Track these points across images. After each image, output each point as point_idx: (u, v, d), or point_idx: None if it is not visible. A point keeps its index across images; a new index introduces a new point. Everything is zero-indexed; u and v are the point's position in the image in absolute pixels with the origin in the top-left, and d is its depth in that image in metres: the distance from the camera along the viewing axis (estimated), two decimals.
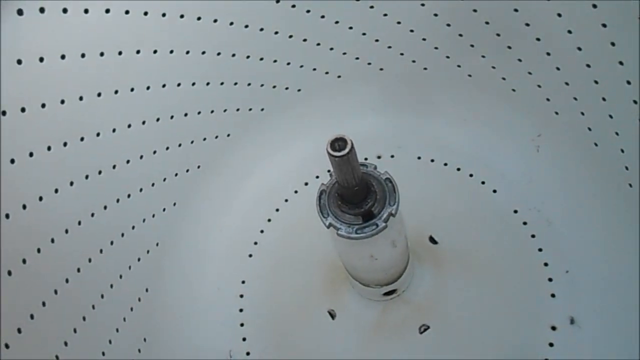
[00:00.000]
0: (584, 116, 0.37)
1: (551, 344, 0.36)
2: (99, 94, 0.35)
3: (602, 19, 0.31)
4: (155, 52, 0.37)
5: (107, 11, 0.34)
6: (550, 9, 0.34)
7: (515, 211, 0.42)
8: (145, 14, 0.35)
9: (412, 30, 0.42)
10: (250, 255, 0.44)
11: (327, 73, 0.45)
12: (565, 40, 0.34)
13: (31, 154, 0.31)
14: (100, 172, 0.36)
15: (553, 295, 0.38)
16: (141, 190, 0.39)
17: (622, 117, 0.34)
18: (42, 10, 0.31)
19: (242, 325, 0.41)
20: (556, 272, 0.39)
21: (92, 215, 0.35)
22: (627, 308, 0.36)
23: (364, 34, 0.43)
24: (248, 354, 0.40)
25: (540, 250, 0.40)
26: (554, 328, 0.37)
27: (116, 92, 0.36)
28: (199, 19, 0.38)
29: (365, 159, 0.45)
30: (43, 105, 0.32)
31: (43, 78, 0.31)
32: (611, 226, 0.38)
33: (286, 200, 0.46)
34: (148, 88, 0.38)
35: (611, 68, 0.32)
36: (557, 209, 0.40)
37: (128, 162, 0.38)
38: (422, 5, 0.40)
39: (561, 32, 0.34)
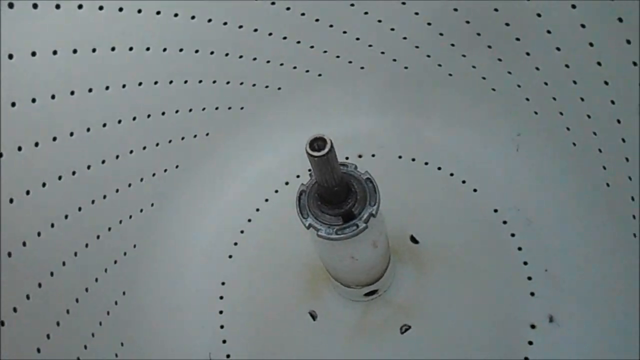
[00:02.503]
0: (562, 116, 0.37)
1: (530, 342, 0.37)
2: (72, 92, 0.34)
3: (582, 20, 0.31)
4: (131, 49, 0.36)
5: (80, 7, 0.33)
6: (530, 9, 0.34)
7: (496, 210, 0.42)
8: (120, 10, 0.35)
9: (392, 29, 0.42)
10: (230, 256, 0.44)
11: (307, 71, 0.45)
12: (544, 41, 0.35)
13: None
14: (74, 173, 0.35)
15: (532, 294, 0.38)
16: (117, 191, 0.38)
17: (599, 117, 0.34)
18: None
19: (222, 327, 0.41)
20: (535, 270, 0.39)
21: (66, 217, 0.34)
22: (605, 306, 0.36)
23: (344, 32, 0.42)
24: (228, 356, 0.40)
25: (519, 249, 0.40)
26: (533, 326, 0.37)
27: (90, 90, 0.35)
28: (175, 15, 0.37)
29: (346, 158, 0.45)
30: (13, 105, 0.31)
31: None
32: (590, 225, 0.38)
33: (266, 200, 0.46)
34: (124, 86, 0.37)
35: (589, 68, 0.32)
36: (536, 208, 0.41)
37: (103, 162, 0.37)
38: (403, 4, 0.40)
39: (541, 32, 0.34)
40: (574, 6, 0.32)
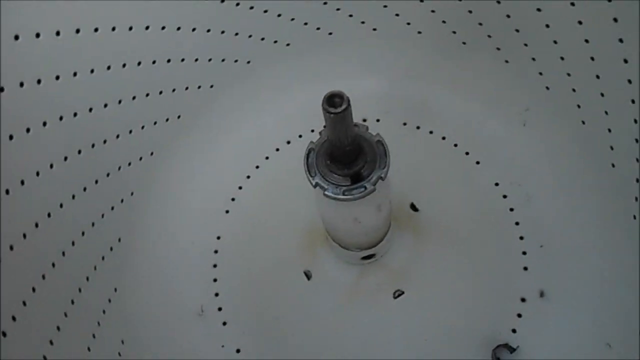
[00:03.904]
0: (575, 93, 0.37)
1: (519, 315, 0.37)
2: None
3: None
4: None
5: None
6: None
7: (497, 184, 0.42)
8: None
9: None
10: (227, 211, 0.43)
11: (318, 29, 0.43)
12: (565, 13, 0.34)
13: None
14: (75, 114, 0.34)
15: (526, 268, 0.39)
16: (118, 136, 0.37)
17: (613, 96, 0.34)
18: None
19: (215, 280, 0.41)
20: (531, 246, 0.39)
21: (65, 159, 0.33)
22: (596, 286, 0.37)
23: None
24: (220, 309, 0.40)
25: (517, 223, 0.40)
26: (523, 300, 0.38)
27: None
28: None
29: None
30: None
31: None
32: (589, 205, 0.38)
33: (267, 158, 0.45)
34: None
35: (610, 45, 0.32)
36: (537, 185, 0.41)
37: (105, 105, 0.36)
38: None
39: (563, 4, 0.33)
40: None
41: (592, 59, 0.34)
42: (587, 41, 0.34)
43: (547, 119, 0.41)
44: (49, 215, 0.32)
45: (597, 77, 0.34)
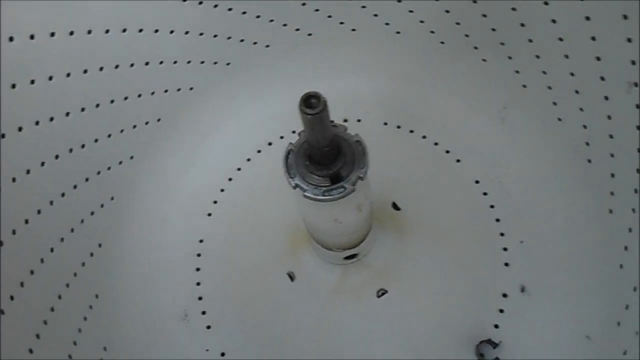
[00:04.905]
0: (550, 90, 0.38)
1: (501, 310, 0.38)
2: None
3: None
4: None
5: None
6: None
7: (477, 181, 0.42)
8: None
9: None
10: (210, 214, 0.43)
11: (297, 30, 0.43)
12: (540, 12, 0.34)
13: None
14: (52, 119, 0.33)
15: (507, 264, 0.39)
16: (96, 141, 0.37)
17: (588, 93, 0.34)
18: None
19: (198, 284, 0.41)
20: (511, 242, 0.40)
21: (43, 164, 0.33)
22: (576, 280, 0.37)
23: None
24: (204, 313, 0.40)
25: (497, 220, 0.41)
26: (505, 295, 0.38)
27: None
28: None
29: (332, 121, 0.45)
30: None
31: None
32: (568, 201, 0.39)
33: (248, 160, 0.45)
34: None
35: (583, 43, 0.32)
36: (517, 181, 0.41)
37: (83, 110, 0.35)
38: None
39: (537, 3, 0.34)
40: None
41: (567, 56, 0.34)
42: (561, 39, 0.34)
43: (524, 116, 0.41)
44: (26, 221, 0.32)
45: (572, 74, 0.35)
